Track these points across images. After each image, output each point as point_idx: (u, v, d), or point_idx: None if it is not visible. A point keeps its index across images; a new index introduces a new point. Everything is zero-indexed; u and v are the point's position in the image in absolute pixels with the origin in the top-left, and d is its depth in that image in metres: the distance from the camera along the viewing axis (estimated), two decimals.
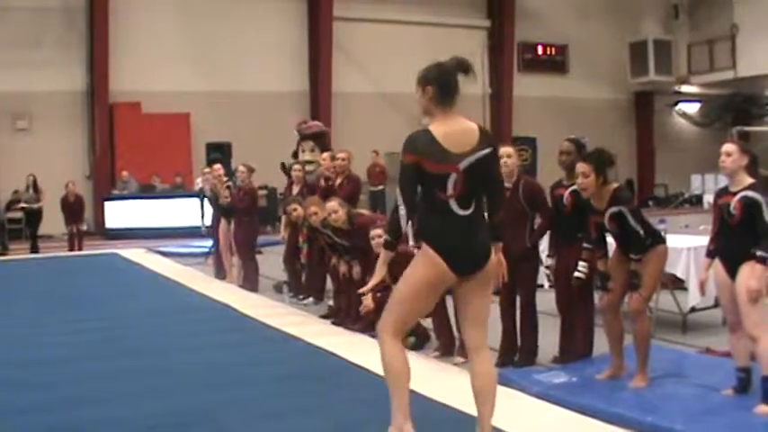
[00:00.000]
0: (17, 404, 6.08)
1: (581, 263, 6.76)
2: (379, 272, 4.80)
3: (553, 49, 31.41)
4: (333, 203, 9.01)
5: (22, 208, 20.72)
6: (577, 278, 6.82)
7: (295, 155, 12.40)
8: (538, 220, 7.38)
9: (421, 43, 27.39)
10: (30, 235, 19.73)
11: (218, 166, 13.55)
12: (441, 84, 4.70)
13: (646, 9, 31.44)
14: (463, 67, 4.78)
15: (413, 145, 4.60)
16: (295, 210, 9.53)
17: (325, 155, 11.06)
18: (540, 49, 31.23)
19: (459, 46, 28.65)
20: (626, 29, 31.44)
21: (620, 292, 6.45)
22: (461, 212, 4.59)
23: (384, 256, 4.76)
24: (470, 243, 4.60)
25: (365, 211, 9.89)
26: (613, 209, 6.26)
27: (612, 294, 6.49)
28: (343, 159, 10.60)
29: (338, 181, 10.56)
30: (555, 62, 31.41)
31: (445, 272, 4.57)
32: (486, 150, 4.64)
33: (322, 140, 12.19)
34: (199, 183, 17.56)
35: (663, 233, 6.80)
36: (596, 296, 7.33)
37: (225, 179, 13.00)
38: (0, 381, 6.85)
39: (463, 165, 4.56)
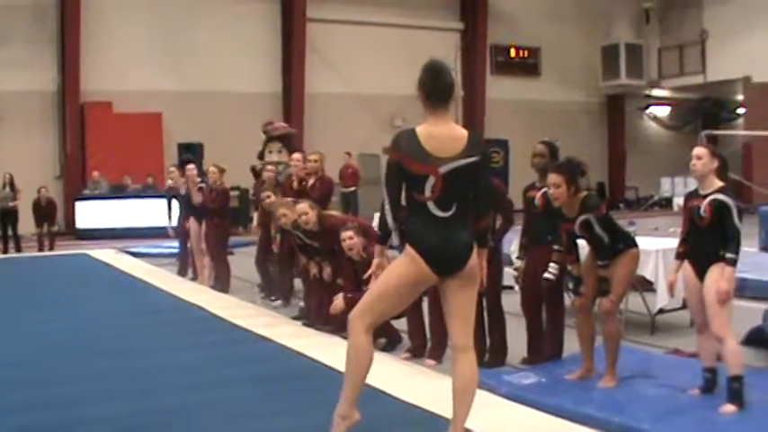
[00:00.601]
0: None
1: (552, 264, 6.81)
2: (378, 262, 4.89)
3: (526, 52, 31.57)
4: (303, 206, 9.00)
5: None
6: (547, 279, 6.87)
7: (261, 156, 12.39)
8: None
9: (394, 45, 27.53)
10: (4, 235, 19.51)
11: (191, 166, 13.51)
12: (428, 88, 4.73)
13: (617, 13, 31.69)
14: (438, 67, 4.82)
15: (396, 143, 4.68)
16: (284, 215, 9.49)
17: (298, 156, 11.06)
18: (512, 52, 31.38)
19: (432, 48, 28.82)
20: (598, 33, 31.69)
21: (592, 294, 6.51)
22: (440, 214, 4.63)
23: (380, 249, 4.89)
24: (449, 244, 4.63)
25: (336, 213, 9.89)
26: (582, 217, 6.33)
27: (585, 296, 6.55)
28: (315, 161, 10.60)
29: (310, 182, 10.56)
30: (527, 65, 31.56)
31: (425, 271, 4.62)
32: (473, 159, 4.67)
33: (289, 141, 12.20)
34: (169, 183, 17.51)
35: (633, 235, 6.88)
36: (567, 298, 7.43)
37: (198, 180, 12.97)
38: None
39: (443, 169, 4.59)
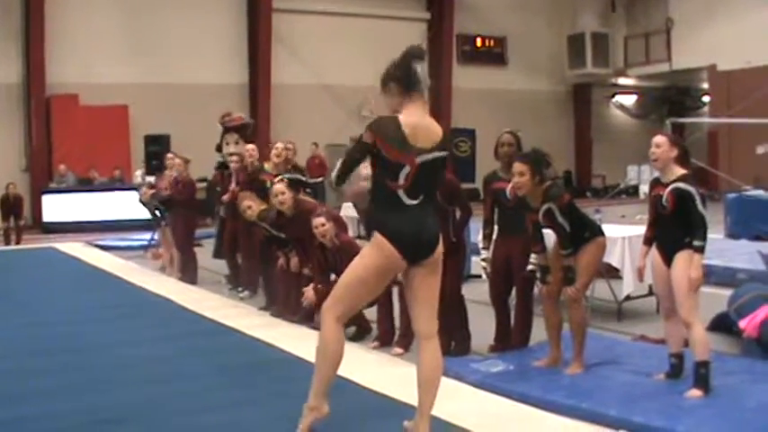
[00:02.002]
0: None
1: (532, 255, 6.86)
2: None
3: (492, 42, 31.63)
4: (280, 186, 8.99)
5: None
6: (531, 270, 6.93)
7: (219, 148, 12.32)
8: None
9: (361, 35, 27.50)
10: None
11: (170, 155, 13.43)
12: (400, 77, 4.72)
13: (583, 2, 31.86)
14: (416, 53, 4.80)
15: (377, 126, 4.65)
16: (249, 207, 9.47)
17: (252, 146, 11.03)
18: (478, 42, 31.43)
19: (398, 38, 28.71)
20: (564, 22, 31.84)
21: (558, 282, 6.54)
22: (409, 202, 4.64)
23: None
24: (419, 231, 4.64)
25: (309, 199, 9.85)
26: (545, 206, 6.38)
27: (551, 285, 6.58)
28: (288, 150, 10.60)
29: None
30: (493, 54, 31.62)
31: (395, 258, 4.62)
32: (444, 153, 4.75)
33: (245, 132, 12.10)
34: (138, 176, 17.41)
35: (599, 223, 6.92)
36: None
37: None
38: None
39: (420, 159, 4.61)
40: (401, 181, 4.61)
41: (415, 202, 4.65)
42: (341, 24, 27.74)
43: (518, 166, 6.40)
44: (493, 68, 31.09)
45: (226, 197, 11.30)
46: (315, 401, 4.81)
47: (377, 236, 4.64)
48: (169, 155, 13.00)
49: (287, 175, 9.92)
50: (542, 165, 6.44)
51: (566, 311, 6.57)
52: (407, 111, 4.69)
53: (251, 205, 9.42)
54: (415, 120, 4.66)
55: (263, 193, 9.80)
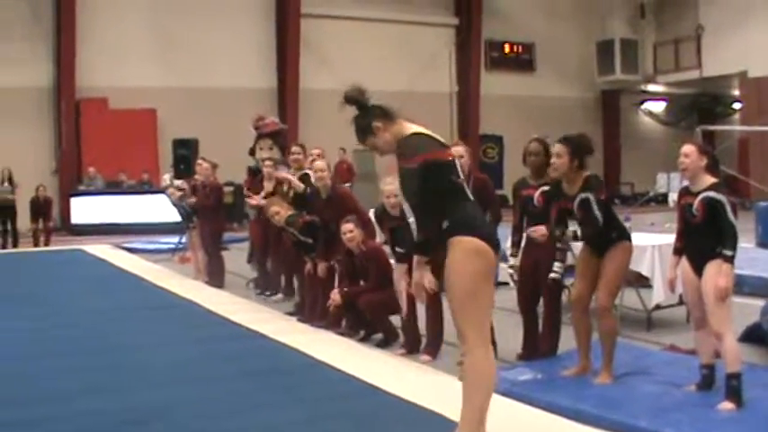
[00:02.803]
0: None
1: (556, 263, 6.80)
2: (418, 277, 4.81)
3: (520, 48, 31.48)
4: (321, 163, 9.07)
5: None
6: (553, 279, 6.87)
7: (252, 152, 12.32)
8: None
9: (389, 41, 27.49)
10: (4, 230, 19.50)
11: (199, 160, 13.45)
12: (378, 113, 4.78)
13: (612, 8, 31.63)
14: (361, 93, 4.94)
15: (419, 146, 4.56)
16: (277, 213, 9.45)
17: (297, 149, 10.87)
18: (507, 48, 31.28)
19: (426, 44, 28.97)
20: (593, 28, 31.65)
21: (588, 289, 6.46)
22: (471, 197, 4.62)
23: (419, 261, 4.78)
24: (489, 225, 4.63)
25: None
26: (582, 194, 6.28)
27: (581, 291, 6.50)
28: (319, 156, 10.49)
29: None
30: (522, 60, 31.47)
31: (490, 254, 4.48)
32: None
33: (279, 138, 12.10)
34: (166, 179, 17.46)
35: (629, 230, 6.84)
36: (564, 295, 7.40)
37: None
38: None
39: (451, 153, 4.64)
40: (461, 175, 4.59)
41: (472, 198, 4.63)
42: (369, 30, 27.72)
43: (557, 147, 6.33)
44: (521, 75, 30.94)
45: (253, 201, 11.26)
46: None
47: (467, 239, 4.46)
48: (199, 160, 13.01)
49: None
50: (583, 150, 6.37)
51: (595, 320, 6.50)
52: (406, 126, 4.70)
53: (279, 211, 9.40)
54: (416, 126, 4.68)
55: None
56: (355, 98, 4.85)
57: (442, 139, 4.64)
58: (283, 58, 27.13)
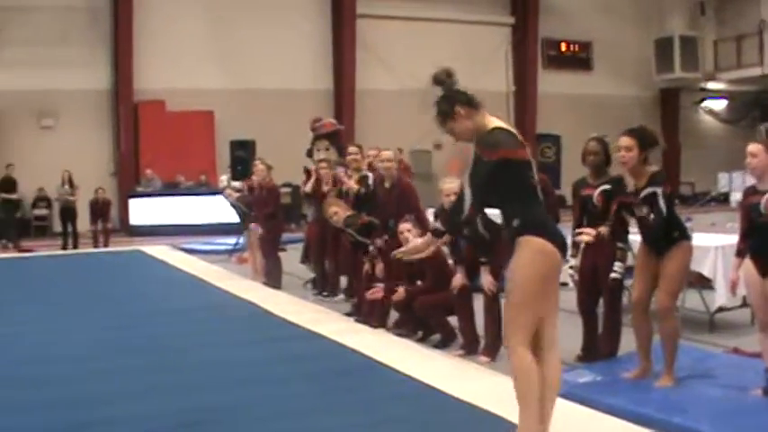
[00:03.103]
0: (40, 400, 6.10)
1: (616, 263, 6.72)
2: (421, 246, 4.90)
3: (577, 46, 31.21)
4: (389, 153, 9.13)
5: (48, 204, 21.22)
6: (614, 279, 6.78)
7: (310, 154, 12.36)
8: None
9: (445, 40, 27.38)
10: (64, 231, 19.86)
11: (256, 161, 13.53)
12: (463, 99, 4.69)
13: (671, 5, 31.19)
14: (449, 75, 4.79)
15: (501, 141, 4.53)
16: (336, 213, 9.48)
17: (354, 149, 10.80)
18: (563, 46, 31.04)
19: (483, 43, 28.83)
20: (651, 25, 31.24)
21: (648, 290, 6.36)
22: (541, 198, 4.60)
23: (429, 239, 4.88)
24: (558, 228, 4.62)
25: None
26: (649, 189, 6.17)
27: (641, 292, 6.40)
28: (374, 157, 10.39)
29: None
30: (579, 59, 31.20)
31: (557, 257, 4.49)
32: None
33: (336, 139, 12.11)
34: (223, 181, 17.59)
35: (689, 231, 6.73)
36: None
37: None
38: (24, 377, 6.87)
39: (529, 152, 4.62)
40: (535, 177, 4.56)
41: (541, 198, 4.61)
42: (425, 29, 27.65)
43: (625, 140, 6.23)
44: (578, 73, 30.66)
45: (307, 187, 11.26)
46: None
47: (537, 241, 4.46)
48: (256, 161, 13.09)
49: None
50: (650, 141, 6.29)
51: (655, 322, 6.40)
52: (489, 118, 4.66)
53: (337, 211, 9.41)
54: (501, 121, 4.63)
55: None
56: (442, 80, 4.78)
57: (521, 138, 4.60)
58: (339, 58, 27.20)
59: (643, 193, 6.19)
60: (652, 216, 6.12)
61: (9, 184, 20.84)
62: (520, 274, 4.47)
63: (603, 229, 6.57)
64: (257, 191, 12.61)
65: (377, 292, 8.57)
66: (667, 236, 6.18)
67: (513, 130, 4.63)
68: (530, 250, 4.45)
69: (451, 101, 4.69)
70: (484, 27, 28.58)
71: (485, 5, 29.15)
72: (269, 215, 12.34)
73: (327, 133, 11.98)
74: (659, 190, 6.13)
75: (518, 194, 4.52)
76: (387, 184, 9.09)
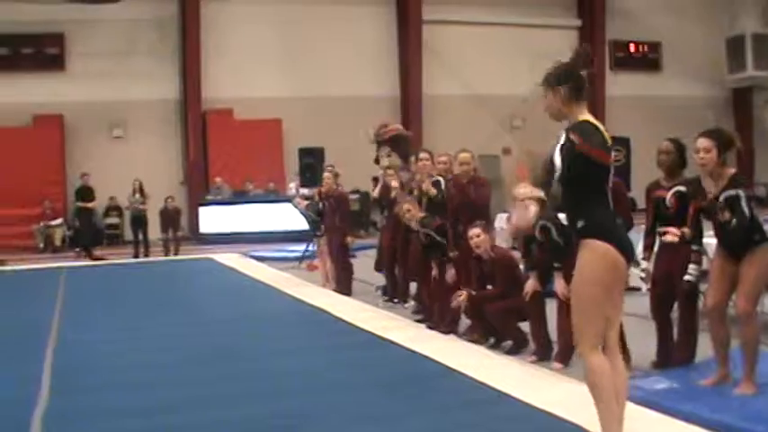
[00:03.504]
0: (117, 407, 6.18)
1: (691, 266, 6.58)
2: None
3: (646, 47, 30.83)
4: (466, 155, 9.04)
5: (120, 213, 21.62)
6: (688, 282, 6.64)
7: (377, 160, 12.34)
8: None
9: (511, 44, 27.28)
10: (135, 240, 20.15)
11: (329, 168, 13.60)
12: (573, 81, 4.61)
13: (742, 3, 30.59)
14: (585, 61, 4.71)
15: (592, 136, 4.47)
16: (409, 211, 9.43)
17: (425, 155, 10.67)
18: (632, 47, 30.69)
19: (549, 46, 28.50)
20: (721, 24, 30.67)
21: (725, 294, 6.22)
22: (612, 206, 4.57)
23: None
24: (625, 233, 4.60)
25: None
26: (731, 191, 6.01)
27: (717, 298, 6.26)
28: (445, 162, 10.06)
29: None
30: (648, 60, 30.81)
31: (621, 262, 4.46)
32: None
33: (398, 145, 11.97)
34: (292, 188, 17.70)
35: None
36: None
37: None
38: (101, 384, 6.99)
39: (612, 159, 4.57)
40: (610, 184, 4.52)
41: (612, 206, 4.56)
42: (491, 34, 27.57)
43: (703, 142, 6.08)
44: (647, 74, 30.28)
45: (375, 192, 11.24)
46: None
47: (597, 244, 4.44)
48: (325, 171, 13.13)
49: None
50: (729, 143, 6.15)
51: (733, 327, 6.25)
52: (585, 114, 4.59)
53: (410, 208, 9.34)
54: (597, 122, 4.57)
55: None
56: (582, 58, 4.71)
57: (609, 142, 4.55)
58: (406, 64, 27.23)
59: (723, 196, 6.04)
60: (734, 220, 5.98)
61: (86, 193, 21.12)
62: (582, 280, 4.47)
63: (687, 231, 6.45)
64: (326, 200, 12.65)
65: (463, 296, 8.44)
66: (748, 239, 6.02)
67: (605, 133, 4.55)
68: (592, 254, 4.43)
69: (562, 77, 4.63)
70: (550, 30, 28.35)
71: (551, 8, 28.96)
72: (339, 223, 12.38)
73: (389, 138, 11.92)
74: (741, 192, 5.99)
75: (588, 195, 4.49)
76: (464, 181, 9.02)
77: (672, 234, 6.43)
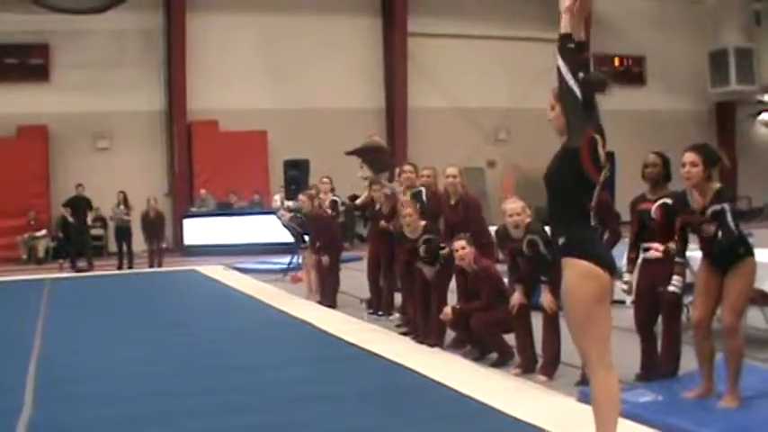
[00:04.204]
0: (100, 419, 6.17)
1: (675, 277, 6.60)
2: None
3: (630, 61, 30.97)
4: (453, 169, 9.03)
5: (104, 225, 21.49)
6: (672, 292, 6.66)
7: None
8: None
9: (496, 57, 27.35)
10: (120, 251, 19.97)
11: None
12: (576, 99, 4.64)
13: (726, 17, 30.72)
14: (603, 86, 4.75)
15: (588, 142, 4.50)
16: (410, 215, 9.26)
17: (409, 167, 10.71)
18: (616, 61, 30.80)
19: (534, 60, 28.65)
20: (705, 38, 30.82)
21: (710, 308, 6.24)
22: (593, 223, 4.57)
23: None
24: (609, 252, 4.62)
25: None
26: (716, 206, 6.04)
27: (702, 311, 6.28)
28: (428, 176, 10.17)
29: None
30: (632, 74, 30.92)
31: (605, 277, 4.45)
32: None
33: (367, 155, 11.90)
34: (277, 200, 17.66)
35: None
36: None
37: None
38: (84, 396, 6.96)
39: (601, 178, 4.56)
40: (593, 201, 4.52)
41: (593, 223, 4.57)
42: (476, 47, 27.60)
43: (690, 156, 6.10)
44: (631, 88, 30.33)
45: (359, 201, 11.25)
46: None
47: (582, 264, 4.43)
48: (323, 180, 13.24)
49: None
50: (715, 159, 6.18)
51: (718, 340, 6.27)
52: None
53: (411, 213, 9.24)
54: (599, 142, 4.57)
55: None
56: (596, 81, 4.80)
57: (603, 161, 4.54)
58: (391, 77, 27.24)
59: (710, 210, 6.08)
60: (720, 234, 6.01)
61: (81, 204, 20.74)
62: (575, 301, 4.46)
63: (672, 246, 6.47)
64: (310, 221, 12.71)
65: (446, 311, 8.44)
66: (733, 253, 6.05)
67: (602, 154, 4.55)
68: (576, 275, 4.44)
69: (571, 94, 4.64)
70: (534, 44, 28.36)
71: (535, 22, 28.96)
72: (328, 242, 12.36)
73: (357, 150, 11.86)
74: (727, 207, 6.02)
75: (569, 211, 4.50)
76: (452, 201, 9.03)
77: (655, 250, 6.46)
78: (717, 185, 6.14)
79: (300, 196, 12.84)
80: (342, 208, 13.94)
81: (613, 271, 4.50)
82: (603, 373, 4.43)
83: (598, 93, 4.71)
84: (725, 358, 6.15)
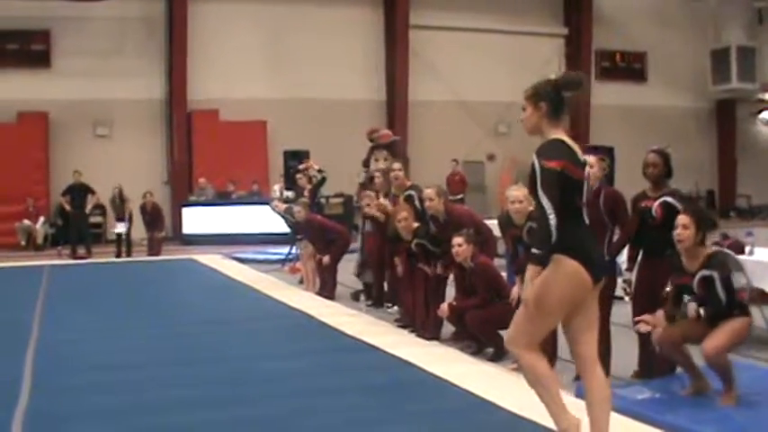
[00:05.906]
0: (98, 407, 6.17)
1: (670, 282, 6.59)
2: (527, 290, 4.59)
3: (631, 57, 30.90)
4: (429, 191, 8.95)
5: (103, 212, 21.56)
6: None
7: (366, 163, 12.36)
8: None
9: (498, 51, 27.32)
10: (118, 239, 19.91)
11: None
12: (554, 100, 4.63)
13: (728, 15, 30.67)
14: (574, 85, 4.71)
15: (556, 151, 4.53)
16: (405, 219, 9.31)
17: (398, 165, 10.71)
18: (618, 57, 30.75)
19: (536, 54, 28.71)
20: (707, 35, 30.78)
21: (682, 336, 6.10)
22: (587, 220, 4.62)
23: (533, 273, 4.57)
24: (600, 251, 4.70)
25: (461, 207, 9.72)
26: (705, 272, 6.02)
27: (678, 334, 6.12)
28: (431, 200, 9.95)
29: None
30: (633, 70, 30.87)
31: (588, 285, 4.51)
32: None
33: (395, 149, 12.12)
34: (276, 190, 17.62)
35: (751, 246, 6.60)
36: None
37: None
38: (82, 384, 6.96)
39: (585, 173, 4.63)
40: (584, 197, 4.57)
41: (588, 221, 4.61)
42: (478, 40, 27.58)
43: (682, 218, 6.10)
44: (632, 85, 30.35)
45: (367, 210, 11.21)
46: (563, 421, 4.68)
47: (567, 262, 4.47)
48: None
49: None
50: (708, 223, 6.16)
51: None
52: (559, 132, 4.63)
53: (406, 216, 9.30)
54: (568, 139, 4.62)
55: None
56: (572, 81, 4.71)
57: (583, 159, 4.63)
58: (393, 69, 27.20)
59: (698, 276, 6.05)
60: (708, 305, 5.97)
61: (79, 191, 20.46)
62: (543, 292, 4.50)
63: (660, 314, 6.38)
64: (302, 230, 12.75)
65: (443, 308, 8.47)
66: (726, 314, 6.00)
67: (575, 147, 4.62)
68: (558, 271, 4.48)
69: (545, 94, 4.65)
70: (537, 38, 28.43)
71: (538, 16, 29.01)
72: (324, 246, 12.34)
73: (387, 143, 12.01)
74: (716, 274, 5.98)
75: (561, 211, 4.48)
76: (441, 220, 8.97)
77: (644, 324, 6.41)
78: (709, 251, 6.12)
79: (295, 207, 12.76)
80: (319, 175, 13.79)
81: (598, 276, 4.54)
82: (527, 353, 4.64)
83: (573, 92, 4.69)
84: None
